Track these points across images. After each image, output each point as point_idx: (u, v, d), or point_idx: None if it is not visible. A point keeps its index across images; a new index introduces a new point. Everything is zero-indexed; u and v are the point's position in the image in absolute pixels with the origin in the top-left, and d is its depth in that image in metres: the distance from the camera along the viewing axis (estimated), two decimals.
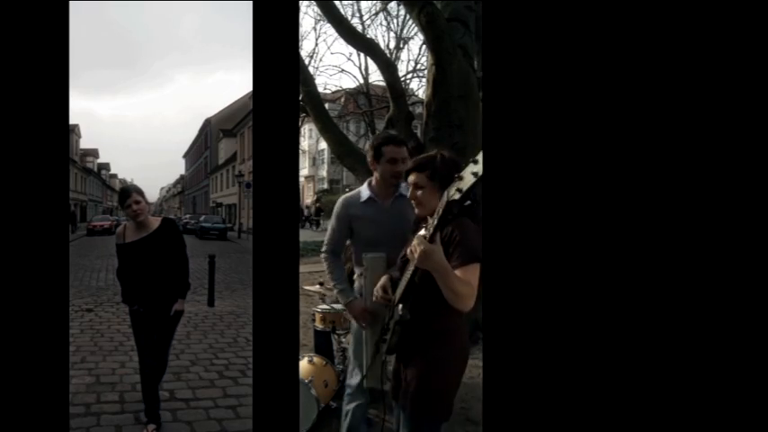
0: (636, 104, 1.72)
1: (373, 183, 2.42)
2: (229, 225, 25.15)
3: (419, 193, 1.87)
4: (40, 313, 1.84)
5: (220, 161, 37.36)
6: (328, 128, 5.77)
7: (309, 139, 32.26)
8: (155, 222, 2.82)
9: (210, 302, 6.61)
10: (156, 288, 2.75)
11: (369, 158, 2.41)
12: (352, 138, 12.75)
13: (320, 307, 3.50)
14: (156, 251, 2.76)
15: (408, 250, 1.75)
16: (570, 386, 1.72)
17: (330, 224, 2.50)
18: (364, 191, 2.42)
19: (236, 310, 6.34)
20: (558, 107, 1.75)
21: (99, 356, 4.29)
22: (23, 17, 1.84)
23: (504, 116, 1.78)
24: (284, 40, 2.15)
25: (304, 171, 33.81)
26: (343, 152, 5.66)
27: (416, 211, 1.90)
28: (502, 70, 1.79)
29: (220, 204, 35.21)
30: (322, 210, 23.33)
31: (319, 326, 3.47)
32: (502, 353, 1.76)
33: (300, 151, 28.93)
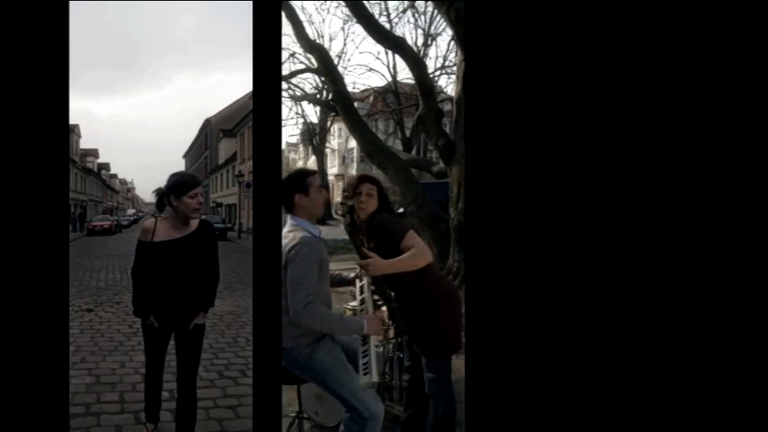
0: (617, 107, 1.72)
1: (308, 215, 2.25)
2: (229, 225, 25.12)
3: (369, 200, 2.42)
4: (40, 313, 1.84)
5: (220, 161, 37.34)
6: (358, 126, 5.79)
7: (339, 138, 31.98)
8: (194, 222, 2.49)
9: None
10: (180, 299, 2.44)
11: (294, 194, 2.21)
12: (381, 136, 12.73)
13: (351, 304, 3.45)
14: (190, 256, 2.45)
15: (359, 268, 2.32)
16: (550, 390, 1.73)
17: (301, 272, 2.10)
18: (312, 227, 2.23)
19: (236, 310, 6.34)
20: (538, 112, 1.76)
21: (99, 356, 4.29)
22: (23, 17, 1.84)
23: (485, 120, 1.79)
24: (277, 41, 2.15)
25: (333, 170, 33.52)
26: (372, 150, 5.65)
27: (359, 215, 2.42)
28: (484, 74, 1.79)
29: (220, 204, 35.18)
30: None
31: None
32: (483, 357, 1.77)
33: (330, 150, 28.74)
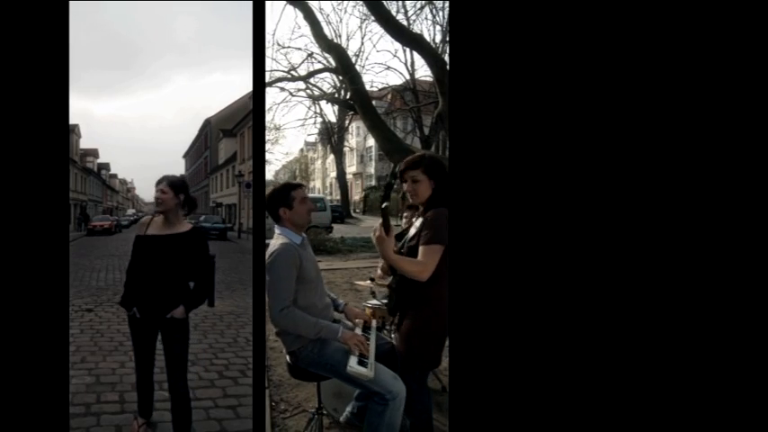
0: (599, 106, 1.72)
1: (293, 225, 2.43)
2: (229, 225, 25.10)
3: (415, 186, 2.33)
4: (40, 313, 1.84)
5: (220, 161, 37.31)
6: (376, 125, 5.79)
7: (357, 136, 31.75)
8: (183, 226, 2.65)
9: (210, 302, 6.61)
10: (159, 294, 2.58)
11: (279, 208, 2.42)
12: (399, 134, 12.64)
13: (370, 302, 3.47)
14: (173, 254, 2.58)
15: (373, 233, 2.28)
16: (535, 395, 1.73)
17: (277, 277, 2.27)
18: (293, 235, 2.40)
19: (236, 310, 6.34)
20: (521, 111, 1.76)
21: (99, 356, 4.29)
22: (24, 18, 1.84)
23: (469, 118, 1.79)
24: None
25: (352, 168, 33.26)
26: (391, 149, 5.64)
27: (411, 200, 2.38)
28: (468, 72, 1.79)
29: (220, 204, 35.13)
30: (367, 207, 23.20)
31: None
32: (467, 360, 1.78)
33: (348, 148, 28.63)
